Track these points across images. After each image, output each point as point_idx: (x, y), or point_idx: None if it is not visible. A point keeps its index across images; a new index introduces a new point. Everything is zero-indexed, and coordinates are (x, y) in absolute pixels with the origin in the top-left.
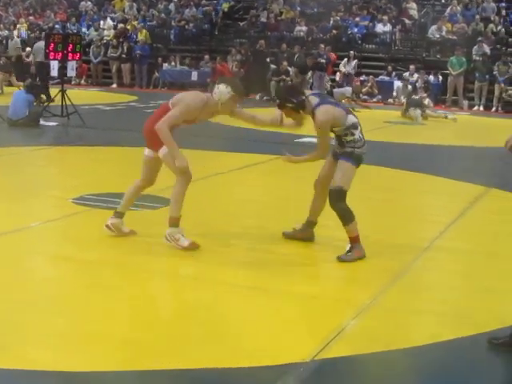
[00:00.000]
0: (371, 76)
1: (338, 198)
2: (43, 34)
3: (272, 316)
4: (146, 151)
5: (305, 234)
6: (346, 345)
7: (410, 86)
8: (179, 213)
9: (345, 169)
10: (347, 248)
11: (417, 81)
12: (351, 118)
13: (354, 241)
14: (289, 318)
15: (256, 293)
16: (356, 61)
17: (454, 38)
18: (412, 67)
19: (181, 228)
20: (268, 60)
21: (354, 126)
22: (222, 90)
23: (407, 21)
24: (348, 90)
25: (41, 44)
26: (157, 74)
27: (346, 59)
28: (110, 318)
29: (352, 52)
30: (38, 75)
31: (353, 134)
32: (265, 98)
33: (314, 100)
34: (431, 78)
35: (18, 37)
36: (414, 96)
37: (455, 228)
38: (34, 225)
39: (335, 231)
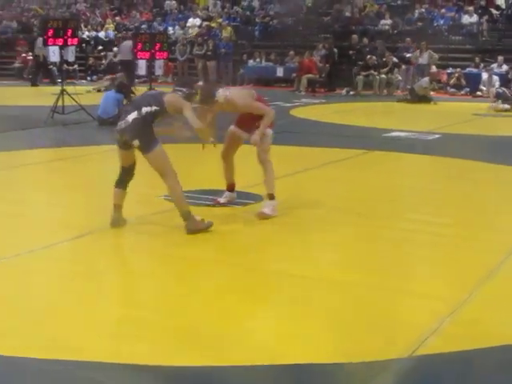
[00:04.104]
0: (458, 68)
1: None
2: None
3: (367, 311)
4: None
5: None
6: (443, 341)
7: (494, 77)
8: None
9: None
10: None
11: (508, 72)
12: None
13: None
14: (385, 313)
15: (347, 287)
16: (429, 51)
17: None
18: (500, 58)
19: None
20: (351, 54)
21: None
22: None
23: (494, 11)
24: (425, 80)
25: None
26: (242, 70)
27: (418, 51)
28: (193, 311)
29: (424, 43)
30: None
31: None
32: (351, 92)
33: None
34: None
35: (105, 38)
36: (497, 88)
37: None
38: None
39: (436, 228)
